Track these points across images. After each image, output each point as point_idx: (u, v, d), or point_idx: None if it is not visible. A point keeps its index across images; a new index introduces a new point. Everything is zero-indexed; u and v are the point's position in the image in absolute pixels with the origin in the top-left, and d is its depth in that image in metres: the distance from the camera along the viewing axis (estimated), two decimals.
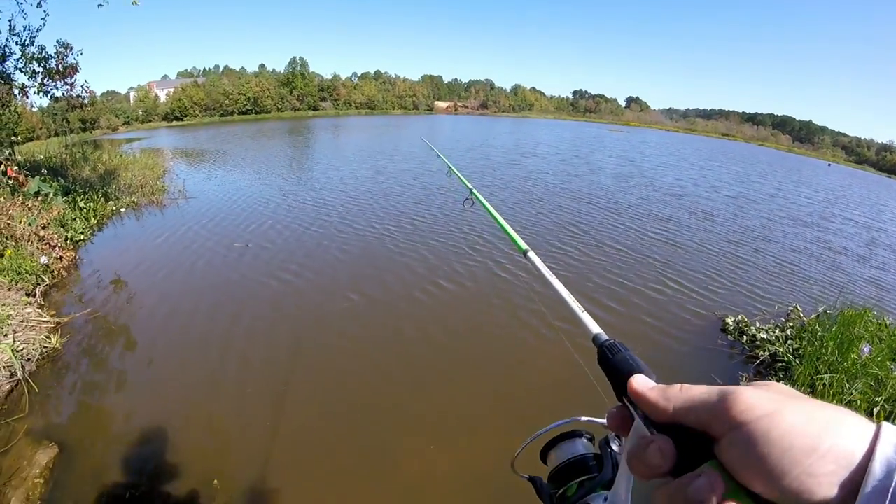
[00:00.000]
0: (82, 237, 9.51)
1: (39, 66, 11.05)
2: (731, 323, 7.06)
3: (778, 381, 3.86)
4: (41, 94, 11.39)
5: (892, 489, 0.36)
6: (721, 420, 0.45)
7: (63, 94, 11.77)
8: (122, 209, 12.09)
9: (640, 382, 0.55)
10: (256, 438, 4.39)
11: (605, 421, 0.56)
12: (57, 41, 11.25)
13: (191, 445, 4.28)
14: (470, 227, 11.08)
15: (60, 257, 7.99)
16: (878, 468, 0.37)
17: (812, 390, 4.92)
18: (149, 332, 6.20)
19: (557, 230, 11.64)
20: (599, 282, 8.43)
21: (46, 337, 5.64)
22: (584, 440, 0.80)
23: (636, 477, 0.50)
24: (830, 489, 0.39)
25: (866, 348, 5.05)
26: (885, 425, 0.40)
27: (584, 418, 0.78)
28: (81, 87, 11.96)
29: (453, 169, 2.45)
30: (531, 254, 0.95)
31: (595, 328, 0.62)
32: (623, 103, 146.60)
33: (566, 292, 0.74)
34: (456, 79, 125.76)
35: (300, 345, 6.00)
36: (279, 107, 79.09)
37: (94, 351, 5.73)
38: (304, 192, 14.55)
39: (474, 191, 1.90)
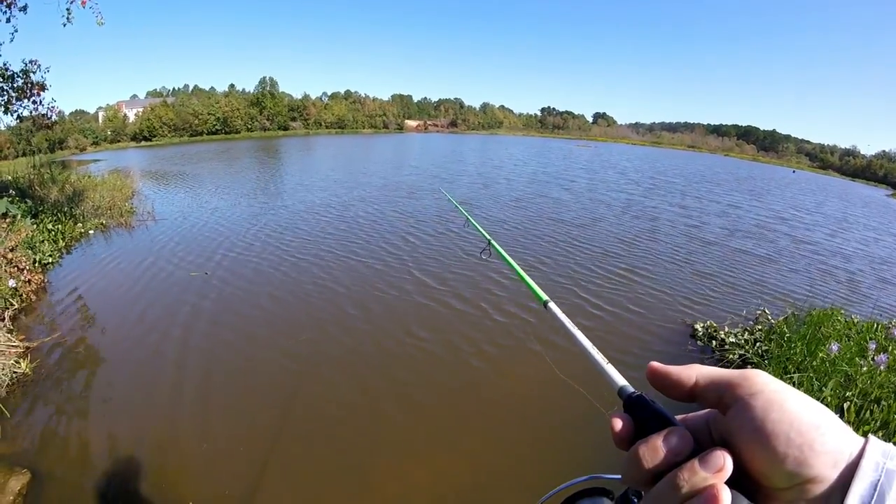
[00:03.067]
0: (51, 260, 9.32)
1: (6, 83, 10.86)
2: (699, 329, 7.20)
3: None
4: (7, 112, 11.17)
5: (879, 482, 0.40)
6: (741, 387, 0.48)
7: (29, 112, 11.55)
8: (91, 231, 11.90)
9: (660, 364, 0.57)
10: (230, 461, 4.34)
11: (620, 476, 0.54)
12: (23, 59, 11.07)
13: (163, 469, 4.22)
14: (443, 229, 11.09)
15: (29, 280, 7.82)
16: (868, 464, 0.41)
17: None
18: (118, 357, 6.10)
19: (527, 245, 11.84)
20: (579, 293, 8.58)
21: (16, 362, 5.52)
22: (607, 500, 0.80)
23: (649, 467, 0.49)
24: (826, 468, 0.42)
25: (834, 346, 5.14)
26: (873, 437, 0.44)
27: (604, 476, 0.78)
28: (48, 105, 11.75)
29: (471, 220, 2.43)
30: (552, 304, 0.93)
31: (621, 380, 0.60)
32: (590, 119, 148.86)
33: (589, 344, 0.73)
34: (425, 97, 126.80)
35: (269, 370, 5.94)
36: (249, 127, 78.67)
37: (65, 376, 5.62)
38: (270, 216, 14.34)
39: (493, 241, 1.89)
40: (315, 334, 6.73)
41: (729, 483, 0.44)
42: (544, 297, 1.00)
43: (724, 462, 0.44)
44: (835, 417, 0.45)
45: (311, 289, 8.34)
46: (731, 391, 0.48)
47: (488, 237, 1.97)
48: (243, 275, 8.94)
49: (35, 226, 10.26)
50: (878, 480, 0.40)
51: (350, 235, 11.86)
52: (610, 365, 0.65)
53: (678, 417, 0.54)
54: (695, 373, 0.53)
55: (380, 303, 7.84)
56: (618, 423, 0.53)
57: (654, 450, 0.48)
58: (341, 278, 8.77)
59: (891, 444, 0.43)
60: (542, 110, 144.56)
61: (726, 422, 0.48)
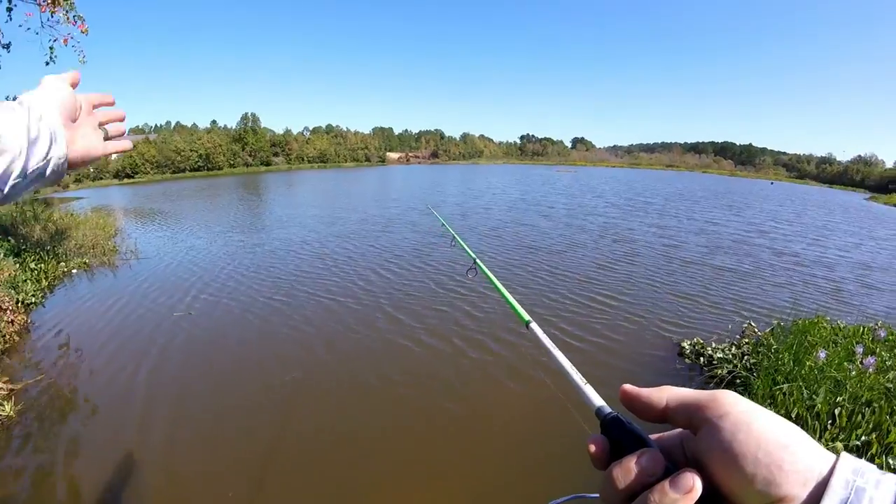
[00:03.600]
0: (34, 300, 9.16)
1: None
2: (687, 347, 7.23)
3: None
4: None
5: (848, 500, 0.40)
6: (709, 409, 0.48)
7: None
8: (74, 270, 11.77)
9: (632, 386, 0.58)
10: (223, 497, 4.27)
11: (598, 495, 0.56)
12: (7, 97, 11.03)
13: None
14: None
15: (12, 321, 7.72)
16: (837, 482, 0.41)
17: (772, 401, 5.04)
18: (104, 399, 5.99)
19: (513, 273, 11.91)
20: (558, 323, 8.54)
21: (0, 404, 5.41)
22: None
23: (622, 488, 0.49)
24: (795, 487, 0.42)
25: (822, 354, 5.17)
26: (845, 453, 0.44)
27: (587, 495, 0.78)
28: None
29: (458, 239, 2.45)
30: (533, 325, 0.95)
31: (598, 401, 0.62)
32: (569, 144, 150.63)
33: (568, 364, 0.73)
34: (406, 130, 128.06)
35: (260, 402, 5.92)
36: (231, 163, 78.50)
37: (50, 418, 5.51)
38: (247, 254, 14.02)
39: (478, 261, 1.90)
40: (287, 375, 6.60)
41: (701, 502, 0.45)
42: (526, 317, 1.02)
43: (694, 484, 0.45)
44: (804, 436, 0.45)
45: (283, 330, 8.17)
46: (699, 413, 0.49)
47: (474, 256, 1.99)
48: (219, 317, 8.79)
49: (18, 265, 10.15)
50: (848, 498, 0.40)
51: (325, 272, 11.71)
52: (588, 385, 0.66)
53: (654, 436, 0.55)
54: (665, 395, 0.54)
55: (350, 341, 7.76)
56: (592, 445, 0.54)
57: (627, 471, 0.49)
58: (312, 318, 8.62)
59: (863, 461, 0.43)
60: (522, 138, 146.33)
61: (697, 442, 0.49)
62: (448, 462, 4.82)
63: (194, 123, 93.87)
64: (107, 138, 1.01)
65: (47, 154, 0.80)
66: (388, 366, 6.87)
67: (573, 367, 0.72)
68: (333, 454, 4.92)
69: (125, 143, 1.06)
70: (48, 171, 0.82)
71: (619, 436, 0.53)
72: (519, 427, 5.38)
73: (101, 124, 1.02)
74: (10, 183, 0.75)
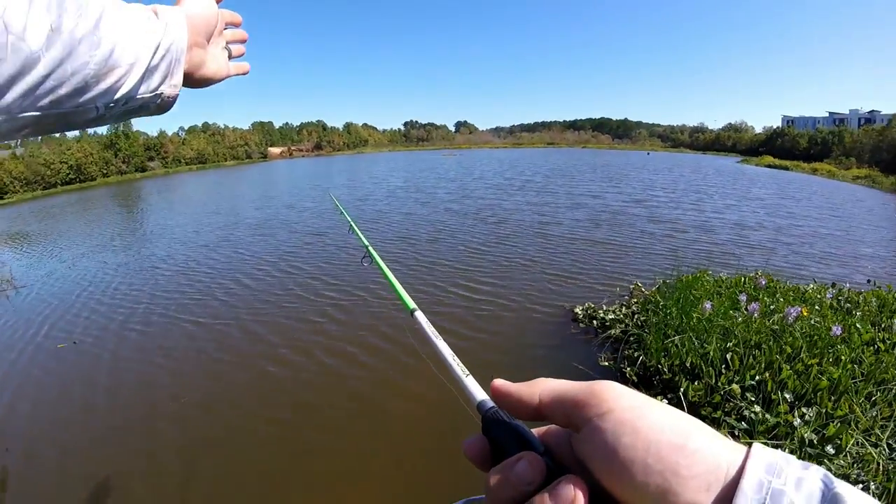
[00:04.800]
0: None
1: None
2: (579, 312, 7.40)
3: (632, 351, 4.13)
4: None
5: None
6: (588, 406, 0.42)
7: None
8: None
9: (504, 381, 0.51)
10: None
11: (483, 496, 0.48)
12: None
13: None
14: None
15: None
16: (748, 484, 0.34)
17: (666, 353, 5.21)
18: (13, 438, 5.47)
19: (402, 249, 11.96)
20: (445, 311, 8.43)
21: None
22: None
23: (501, 497, 0.43)
24: (698, 494, 0.35)
25: (707, 305, 5.47)
26: (757, 446, 0.37)
27: (475, 498, 0.74)
28: None
29: (353, 225, 2.43)
30: (418, 313, 0.94)
31: (480, 394, 0.55)
32: (453, 128, 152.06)
33: (450, 353, 0.71)
34: (287, 123, 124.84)
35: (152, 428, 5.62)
36: (104, 172, 73.99)
37: None
38: (137, 268, 12.89)
39: (370, 248, 1.90)
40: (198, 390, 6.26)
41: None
42: (412, 304, 1.00)
43: (575, 495, 0.38)
44: (704, 430, 0.39)
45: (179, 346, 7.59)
46: (578, 411, 0.42)
47: (367, 244, 1.98)
48: (124, 334, 8.04)
49: None
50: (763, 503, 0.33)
51: (185, 288, 10.87)
52: (470, 377, 0.60)
53: (541, 430, 0.50)
54: (538, 389, 0.47)
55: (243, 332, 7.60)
56: (467, 449, 0.49)
57: (504, 479, 0.43)
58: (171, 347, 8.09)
59: (779, 452, 0.37)
60: (406, 124, 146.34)
61: (580, 443, 0.42)
62: (341, 471, 4.58)
63: (62, 133, 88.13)
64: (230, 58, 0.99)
65: (159, 86, 0.74)
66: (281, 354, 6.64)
67: (455, 357, 0.66)
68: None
69: (245, 66, 1.05)
70: (152, 105, 0.77)
71: (498, 434, 0.49)
72: (413, 425, 5.16)
73: (227, 43, 0.99)
74: (110, 106, 0.68)
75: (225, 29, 0.98)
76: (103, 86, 0.64)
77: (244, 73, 1.05)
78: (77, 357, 7.36)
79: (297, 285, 9.88)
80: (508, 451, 0.46)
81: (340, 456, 4.68)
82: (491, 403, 0.52)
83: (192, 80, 0.86)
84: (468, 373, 0.60)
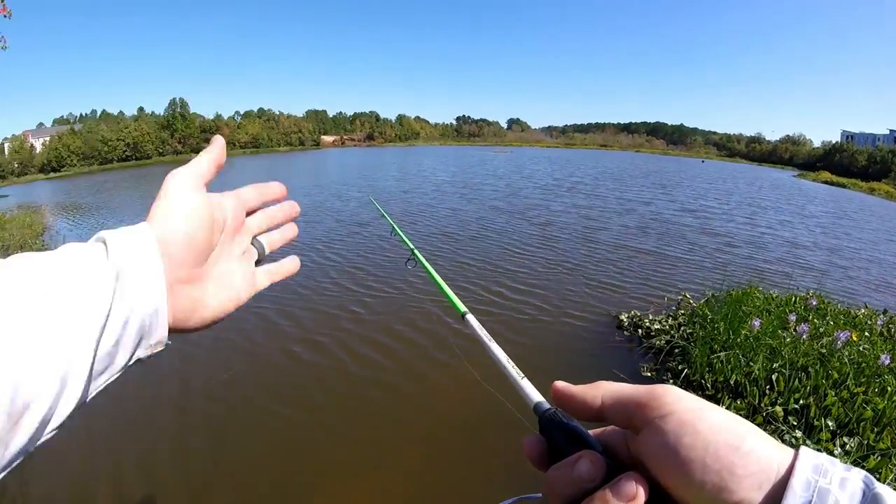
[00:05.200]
0: None
1: None
2: (625, 319, 7.31)
3: (676, 364, 4.05)
4: None
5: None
6: (650, 408, 0.44)
7: None
8: None
9: (565, 383, 0.53)
10: None
11: (540, 495, 0.51)
12: None
13: None
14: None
15: None
16: (798, 483, 0.36)
17: (710, 369, 5.15)
18: None
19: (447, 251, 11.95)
20: (502, 303, 8.61)
21: None
22: None
23: (561, 495, 0.45)
24: (750, 492, 0.37)
25: (756, 322, 5.36)
26: (804, 448, 0.40)
27: (531, 496, 0.74)
28: None
29: (396, 228, 2.42)
30: (469, 316, 0.92)
31: (537, 396, 0.57)
32: (505, 125, 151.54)
33: (504, 357, 0.70)
34: (341, 112, 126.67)
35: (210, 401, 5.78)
36: (160, 151, 76.07)
37: None
38: None
39: (416, 251, 1.88)
40: (238, 367, 6.47)
41: None
42: (462, 308, 0.99)
43: (637, 491, 0.41)
44: (757, 432, 0.41)
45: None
46: (639, 412, 0.45)
47: (412, 247, 1.94)
48: None
49: None
50: (810, 501, 0.35)
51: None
52: (525, 380, 0.61)
53: (597, 431, 0.52)
54: (601, 392, 0.49)
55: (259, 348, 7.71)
56: (527, 446, 0.50)
57: (564, 477, 0.45)
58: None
59: (825, 455, 0.39)
60: (458, 119, 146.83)
61: (639, 443, 0.45)
62: (383, 462, 4.61)
63: (121, 111, 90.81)
64: (259, 260, 0.71)
65: (129, 361, 0.50)
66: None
67: (510, 361, 0.67)
68: (269, 457, 4.76)
69: (290, 266, 0.75)
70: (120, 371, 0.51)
71: (556, 435, 0.50)
72: (457, 425, 5.10)
73: (255, 237, 0.71)
74: (46, 437, 0.44)
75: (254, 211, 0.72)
76: (20, 439, 0.40)
77: (290, 275, 0.75)
78: None
79: (338, 273, 10.04)
80: (567, 451, 0.47)
81: (369, 445, 4.74)
82: (547, 405, 0.53)
83: (189, 328, 0.59)
84: (523, 375, 0.61)
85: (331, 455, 4.60)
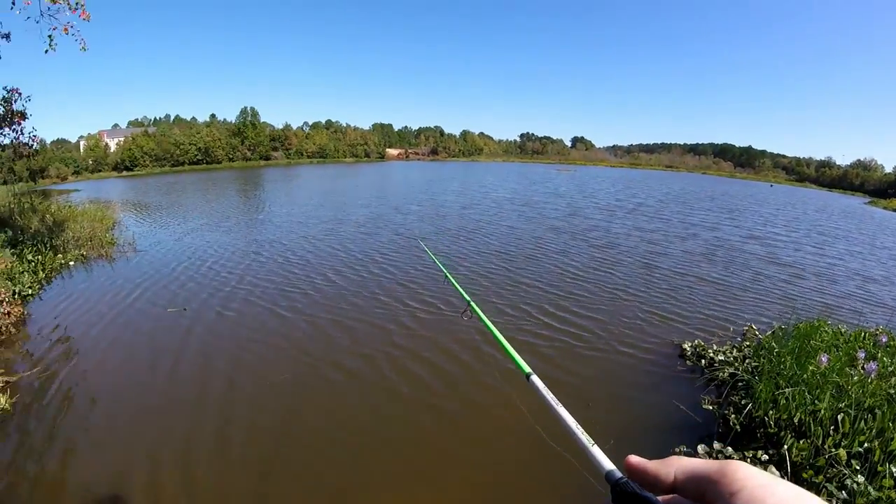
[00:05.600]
0: (30, 292, 9.16)
1: None
2: (688, 348, 7.19)
3: (739, 399, 3.94)
4: None
5: None
6: (722, 484, 0.47)
7: (10, 141, 11.44)
8: (71, 262, 11.75)
9: (639, 458, 0.56)
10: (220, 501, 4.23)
11: None
12: (4, 87, 10.95)
13: None
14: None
15: (8, 313, 7.68)
16: None
17: (775, 405, 4.98)
18: (100, 392, 5.95)
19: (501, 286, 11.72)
20: (558, 326, 8.58)
21: None
22: None
23: None
24: None
25: (824, 358, 5.13)
26: None
27: None
28: (29, 134, 11.64)
29: (450, 277, 2.36)
30: (534, 378, 0.90)
31: (608, 464, 0.60)
32: (569, 143, 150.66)
33: (574, 423, 0.71)
34: (406, 126, 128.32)
35: (255, 408, 5.80)
36: (230, 156, 78.59)
37: (45, 411, 5.47)
38: (250, 250, 13.99)
39: (472, 303, 1.82)
40: (298, 371, 6.59)
41: None
42: (527, 369, 0.96)
43: None
44: (817, 500, 0.44)
45: (284, 328, 8.13)
46: (712, 487, 0.47)
47: (468, 298, 1.86)
48: (222, 312, 8.72)
49: (15, 256, 10.11)
50: None
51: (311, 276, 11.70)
52: (596, 447, 0.63)
53: (666, 498, 0.54)
54: (673, 468, 0.52)
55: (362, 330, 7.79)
56: None
57: None
58: (300, 322, 8.39)
59: None
60: (522, 136, 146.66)
61: None
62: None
63: (193, 117, 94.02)
64: None
65: None
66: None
67: (579, 426, 0.69)
68: (332, 452, 4.87)
69: None
70: None
71: None
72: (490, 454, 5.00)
73: None
74: None
75: None
76: None
77: None
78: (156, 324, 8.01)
79: (394, 285, 10.18)
80: None
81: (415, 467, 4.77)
82: (619, 474, 0.56)
83: None
84: (594, 442, 0.64)
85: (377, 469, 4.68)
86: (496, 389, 5.93)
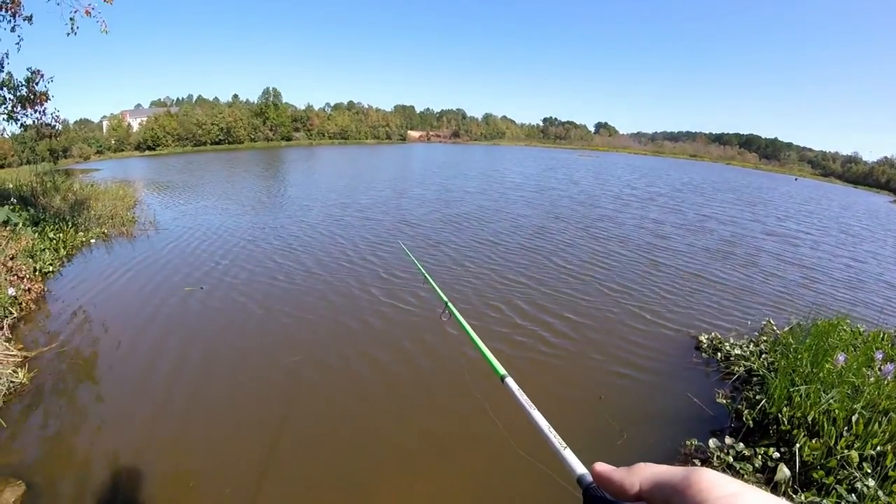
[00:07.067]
0: (51, 269, 9.30)
1: (9, 93, 10.85)
2: (704, 341, 7.13)
3: (754, 395, 3.88)
4: (11, 120, 11.16)
5: None
6: (687, 494, 0.46)
7: (34, 121, 11.56)
8: (92, 240, 11.89)
9: (605, 466, 0.56)
10: (231, 474, 4.29)
11: None
12: (28, 68, 11.05)
13: (162, 481, 4.16)
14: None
15: (29, 289, 7.79)
16: None
17: (789, 402, 4.92)
18: (117, 367, 6.05)
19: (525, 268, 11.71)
20: (583, 308, 8.58)
21: (14, 371, 5.48)
22: None
23: None
24: None
25: (841, 357, 5.05)
26: None
27: None
28: (52, 115, 11.76)
29: (429, 278, 2.35)
30: (509, 380, 0.89)
31: (580, 468, 0.59)
32: (592, 129, 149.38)
33: (546, 425, 0.71)
34: (428, 108, 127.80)
35: (266, 381, 5.90)
36: (252, 137, 78.96)
37: (63, 386, 5.57)
38: (270, 230, 14.17)
39: (449, 304, 1.81)
40: (309, 352, 6.63)
41: None
42: (501, 370, 0.95)
43: None
44: None
45: (298, 309, 8.17)
46: (678, 497, 0.46)
47: (445, 299, 1.86)
48: (240, 290, 8.83)
49: (36, 234, 10.25)
50: None
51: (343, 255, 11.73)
52: (568, 450, 0.63)
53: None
54: (638, 478, 0.52)
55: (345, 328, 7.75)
56: None
57: None
58: (314, 305, 8.40)
59: None
60: (545, 120, 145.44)
61: None
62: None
63: (216, 97, 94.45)
64: None
65: None
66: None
67: (551, 429, 0.69)
68: (334, 438, 4.90)
69: None
70: None
71: None
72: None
73: None
74: None
75: None
76: None
77: None
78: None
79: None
80: None
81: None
82: (590, 479, 0.57)
83: None
84: (566, 445, 0.64)
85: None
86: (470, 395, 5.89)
